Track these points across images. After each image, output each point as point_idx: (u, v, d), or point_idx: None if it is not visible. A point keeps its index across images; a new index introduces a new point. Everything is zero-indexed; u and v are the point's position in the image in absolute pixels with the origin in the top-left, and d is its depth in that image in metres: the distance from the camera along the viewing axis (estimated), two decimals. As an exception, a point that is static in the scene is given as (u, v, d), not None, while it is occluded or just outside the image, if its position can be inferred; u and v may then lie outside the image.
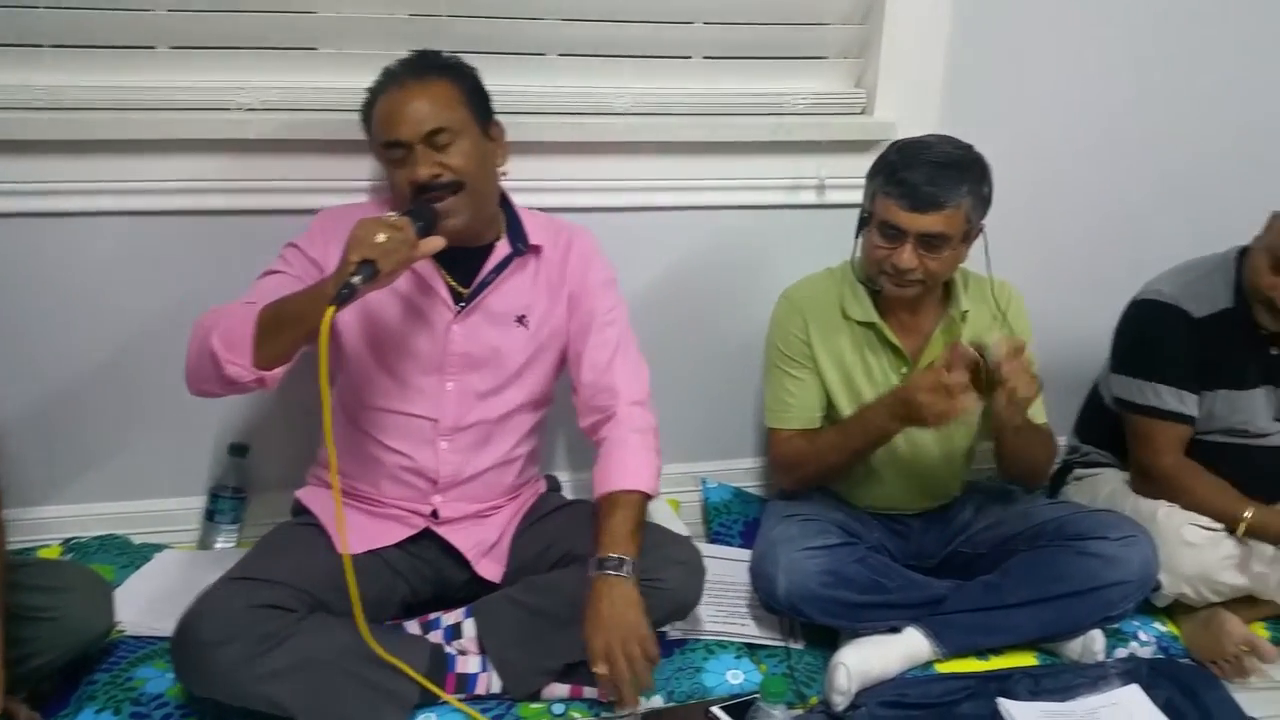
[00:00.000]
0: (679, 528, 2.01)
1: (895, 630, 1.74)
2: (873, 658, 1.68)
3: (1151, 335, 1.92)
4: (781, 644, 1.78)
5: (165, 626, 1.48)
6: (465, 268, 1.65)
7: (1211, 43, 2.16)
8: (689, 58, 2.02)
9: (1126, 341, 1.98)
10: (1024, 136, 2.12)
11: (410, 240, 1.41)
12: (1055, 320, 2.02)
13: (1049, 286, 2.16)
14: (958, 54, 2.03)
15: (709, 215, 2.06)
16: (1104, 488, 2.02)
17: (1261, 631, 1.88)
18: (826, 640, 1.77)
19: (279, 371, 1.46)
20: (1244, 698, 1.72)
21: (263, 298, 1.47)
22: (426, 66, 1.59)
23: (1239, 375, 1.89)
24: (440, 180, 1.54)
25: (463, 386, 1.66)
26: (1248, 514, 1.82)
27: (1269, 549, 1.83)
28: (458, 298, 1.65)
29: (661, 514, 2.04)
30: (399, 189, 1.57)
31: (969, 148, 1.71)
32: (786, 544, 1.75)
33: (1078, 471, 2.13)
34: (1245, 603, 1.87)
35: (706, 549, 1.92)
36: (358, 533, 1.61)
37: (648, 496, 1.61)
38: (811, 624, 1.77)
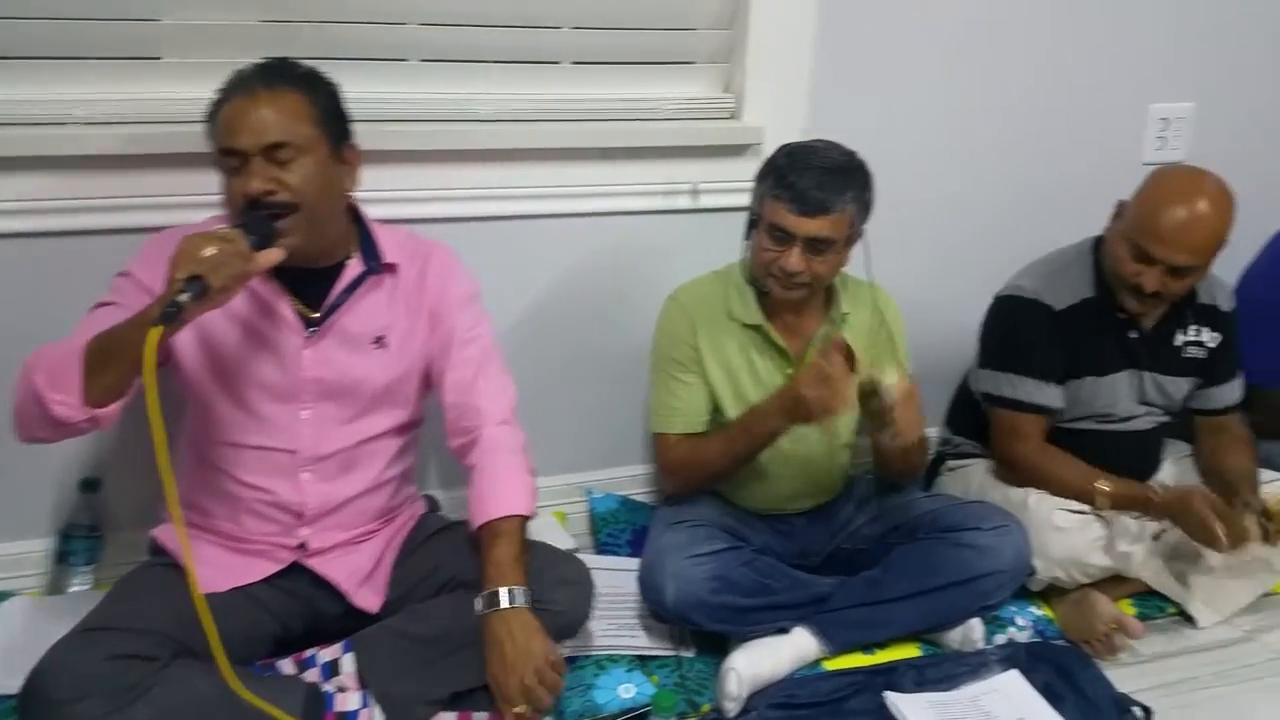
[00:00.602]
0: (565, 541, 1.98)
1: (783, 631, 1.75)
2: (763, 661, 1.69)
3: (1013, 329, 1.98)
4: (672, 653, 1.77)
5: (12, 684, 1.36)
6: (314, 289, 1.56)
7: (1068, 48, 2.26)
8: (557, 63, 1.99)
9: (990, 337, 2.05)
10: (889, 139, 2.15)
11: (243, 253, 1.33)
12: (925, 315, 2.07)
13: (919, 282, 2.21)
14: (824, 58, 2.05)
15: (581, 223, 2.03)
16: (975, 478, 2.08)
17: (1128, 609, 1.96)
18: (717, 646, 1.77)
19: (114, 408, 1.36)
20: (1115, 674, 1.79)
21: (90, 332, 1.36)
22: (281, 76, 1.49)
23: (1102, 362, 1.97)
24: (273, 198, 1.44)
25: (320, 414, 1.58)
26: (1103, 486, 1.90)
27: (1132, 526, 1.90)
28: (308, 322, 1.56)
29: (547, 528, 2.01)
30: (231, 200, 1.48)
31: (853, 155, 1.74)
32: (674, 552, 1.74)
33: (950, 463, 2.19)
34: (1112, 581, 1.95)
35: (594, 560, 1.89)
36: (220, 570, 1.53)
37: (527, 518, 1.57)
38: (701, 631, 1.76)
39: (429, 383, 1.69)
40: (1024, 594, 1.94)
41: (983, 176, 2.29)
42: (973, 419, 2.12)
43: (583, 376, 2.13)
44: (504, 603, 1.46)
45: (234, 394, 1.56)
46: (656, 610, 1.75)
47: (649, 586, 1.75)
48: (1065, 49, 2.26)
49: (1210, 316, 1.99)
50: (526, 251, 2.01)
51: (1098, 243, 1.98)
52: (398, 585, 1.65)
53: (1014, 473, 1.98)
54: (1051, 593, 1.95)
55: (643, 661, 1.75)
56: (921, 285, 2.22)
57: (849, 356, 1.64)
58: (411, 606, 1.60)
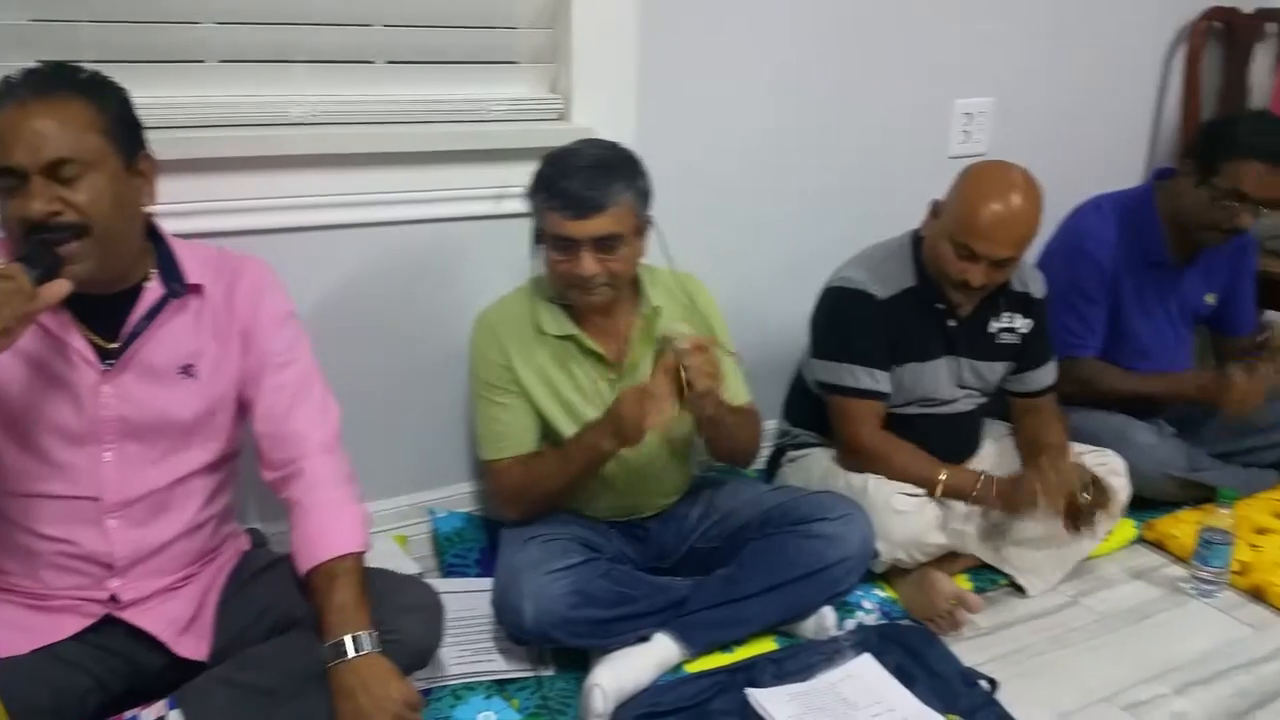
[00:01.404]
0: (409, 566, 1.88)
1: (644, 639, 1.72)
2: (626, 672, 1.65)
3: (842, 319, 2.03)
4: (532, 674, 1.71)
5: None
6: (109, 318, 1.41)
7: (880, 48, 2.33)
8: (371, 62, 1.89)
9: (821, 327, 2.09)
10: (717, 133, 2.18)
11: (25, 290, 1.19)
12: (756, 309, 2.09)
13: (749, 275, 2.25)
14: (649, 57, 2.03)
15: (407, 230, 1.94)
16: (817, 467, 2.12)
17: (965, 583, 2.04)
18: (578, 662, 1.72)
19: None
20: (958, 649, 1.86)
21: None
22: (57, 82, 1.32)
23: (924, 349, 2.04)
24: (60, 220, 1.29)
25: (124, 455, 1.43)
26: (942, 476, 1.97)
27: (963, 506, 1.99)
28: (104, 354, 1.41)
29: (388, 555, 1.90)
30: (9, 226, 1.31)
31: (615, 146, 1.73)
32: (530, 569, 1.68)
33: (790, 454, 2.22)
34: (947, 558, 2.01)
35: (442, 584, 1.81)
36: (21, 631, 1.37)
37: (362, 554, 1.46)
38: (561, 648, 1.71)
39: (244, 411, 1.55)
40: (869, 577, 1.98)
41: (805, 171, 2.33)
42: (809, 409, 2.16)
43: (416, 391, 2.03)
44: (351, 651, 1.36)
45: (24, 440, 1.39)
46: (514, 632, 1.68)
47: (505, 608, 1.68)
48: (877, 49, 2.33)
49: (1024, 303, 2.10)
50: (349, 263, 1.90)
51: (916, 236, 2.06)
52: (224, 630, 1.51)
53: (855, 459, 2.03)
54: (893, 574, 2.00)
55: (501, 686, 1.68)
56: (751, 278, 2.25)
57: (677, 371, 1.62)
58: (242, 652, 1.46)
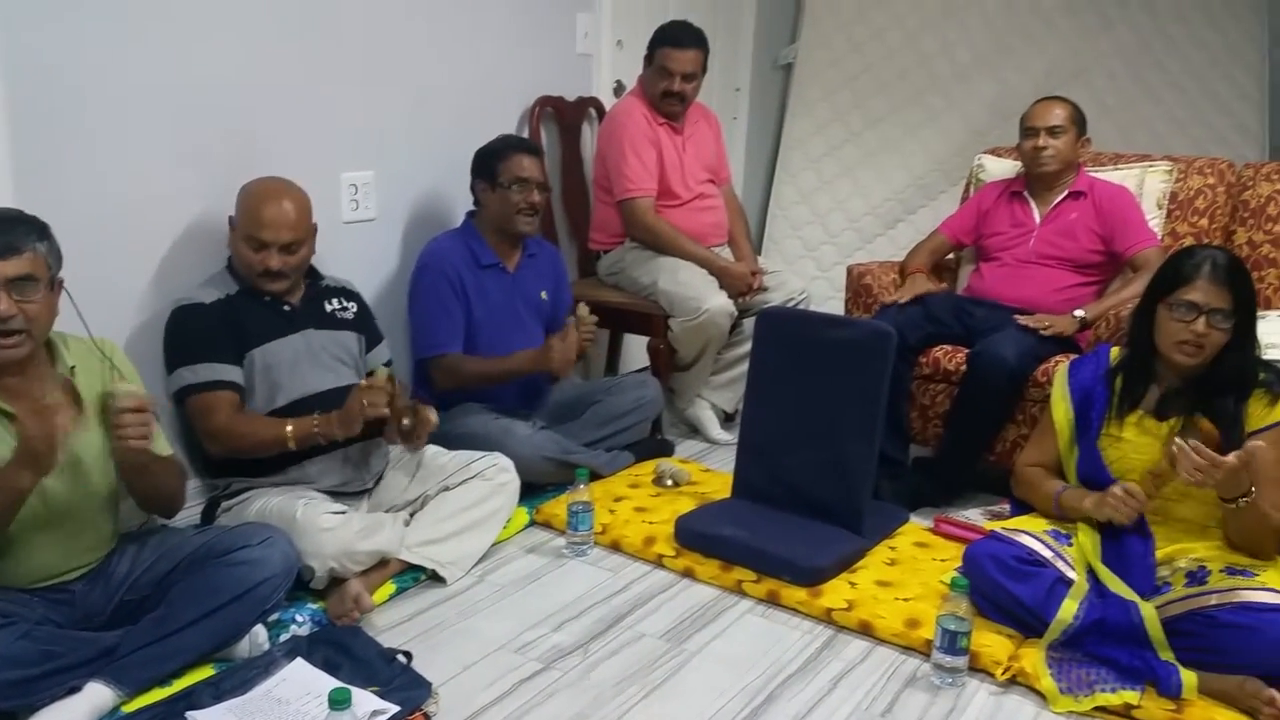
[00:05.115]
0: None
1: (76, 690, 1.79)
2: (58, 727, 1.71)
3: (182, 329, 2.34)
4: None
5: None
6: None
7: (267, 124, 2.61)
8: None
9: (168, 344, 2.36)
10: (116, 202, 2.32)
11: None
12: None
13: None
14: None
15: None
16: (251, 509, 2.31)
17: (390, 588, 2.36)
18: (5, 726, 1.75)
19: None
20: (386, 636, 2.17)
21: None
22: None
23: (264, 335, 2.38)
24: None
25: None
26: (289, 429, 2.29)
27: (386, 520, 2.34)
28: None
29: None
30: None
31: (22, 212, 1.86)
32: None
33: (225, 504, 2.38)
34: (380, 565, 2.33)
35: None
36: None
37: None
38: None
39: None
40: (307, 594, 2.23)
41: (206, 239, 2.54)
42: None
43: None
44: None
45: None
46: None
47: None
48: (263, 125, 2.62)
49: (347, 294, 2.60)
50: None
51: (230, 262, 2.44)
52: None
53: (214, 444, 2.32)
54: (332, 588, 2.27)
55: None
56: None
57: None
58: None
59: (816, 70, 4.53)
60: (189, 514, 2.35)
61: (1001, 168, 3.37)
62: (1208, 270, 2.14)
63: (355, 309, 2.59)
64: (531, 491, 2.75)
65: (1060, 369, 2.43)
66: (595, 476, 2.87)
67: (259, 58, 2.59)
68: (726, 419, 3.50)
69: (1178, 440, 2.03)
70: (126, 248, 2.42)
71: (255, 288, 2.39)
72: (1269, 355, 2.43)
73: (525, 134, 3.37)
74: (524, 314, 3.00)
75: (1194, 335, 2.13)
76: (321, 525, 2.22)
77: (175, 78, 2.42)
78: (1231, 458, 1.96)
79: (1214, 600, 2.02)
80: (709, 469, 3.14)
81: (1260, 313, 2.60)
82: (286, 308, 2.44)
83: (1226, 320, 2.13)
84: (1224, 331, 2.13)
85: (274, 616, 2.12)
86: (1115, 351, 2.36)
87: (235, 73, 2.54)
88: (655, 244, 3.30)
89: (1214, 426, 2.08)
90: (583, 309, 2.86)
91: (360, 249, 2.90)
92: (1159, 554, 2.17)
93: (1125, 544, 2.17)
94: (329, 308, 2.53)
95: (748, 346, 2.92)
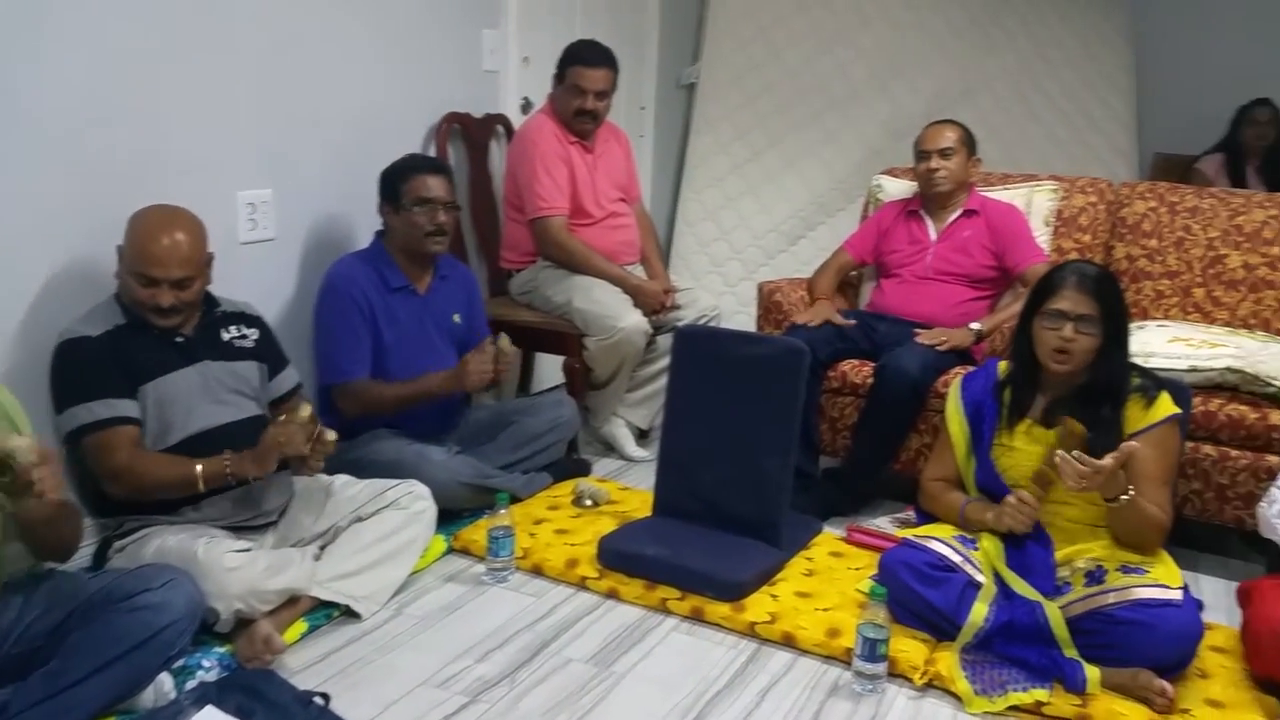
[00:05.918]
0: None
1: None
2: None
3: (71, 365, 2.21)
4: None
5: None
6: None
7: (159, 142, 2.48)
8: None
9: (56, 382, 2.23)
10: None
11: None
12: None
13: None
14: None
15: None
16: (148, 548, 2.19)
17: (302, 626, 2.26)
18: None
19: None
20: (299, 678, 2.07)
21: None
22: None
23: (156, 370, 2.26)
24: None
25: None
26: (199, 469, 2.18)
27: (295, 555, 2.23)
28: None
29: None
30: None
31: None
32: None
33: (117, 544, 2.25)
34: (290, 603, 2.22)
35: None
36: None
37: None
38: None
39: None
40: (213, 638, 2.11)
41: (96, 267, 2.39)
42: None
43: None
44: None
45: None
46: None
47: None
48: (153, 142, 2.49)
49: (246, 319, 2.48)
50: None
51: (118, 290, 2.29)
52: None
53: (116, 484, 2.19)
54: (239, 630, 2.15)
55: None
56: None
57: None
58: None
59: (718, 89, 4.57)
60: (79, 556, 2.19)
61: (899, 188, 3.47)
62: (1074, 280, 2.24)
63: (256, 335, 2.48)
64: (447, 518, 2.67)
65: (953, 385, 2.52)
66: (514, 500, 2.80)
67: (147, 72, 2.46)
68: (641, 436, 3.48)
69: (1060, 453, 2.12)
70: (-1, 277, 2.26)
71: (145, 321, 2.26)
72: (1153, 363, 2.56)
73: (432, 151, 3.30)
74: (435, 337, 2.92)
75: (1062, 341, 2.23)
76: (225, 564, 2.11)
77: (55, 95, 2.28)
78: (1109, 459, 2.07)
79: (1111, 599, 2.13)
80: (627, 487, 3.11)
81: (1139, 323, 2.73)
82: (180, 339, 2.31)
83: (1093, 327, 2.23)
84: (1091, 337, 2.23)
85: (179, 663, 2.00)
86: (1004, 365, 2.46)
87: (122, 88, 2.41)
88: (568, 263, 3.27)
89: (1082, 426, 2.17)
90: (504, 341, 2.80)
91: (258, 270, 2.78)
92: (1058, 555, 2.27)
93: (1026, 548, 2.26)
94: (226, 336, 2.41)
95: (662, 363, 2.92)
